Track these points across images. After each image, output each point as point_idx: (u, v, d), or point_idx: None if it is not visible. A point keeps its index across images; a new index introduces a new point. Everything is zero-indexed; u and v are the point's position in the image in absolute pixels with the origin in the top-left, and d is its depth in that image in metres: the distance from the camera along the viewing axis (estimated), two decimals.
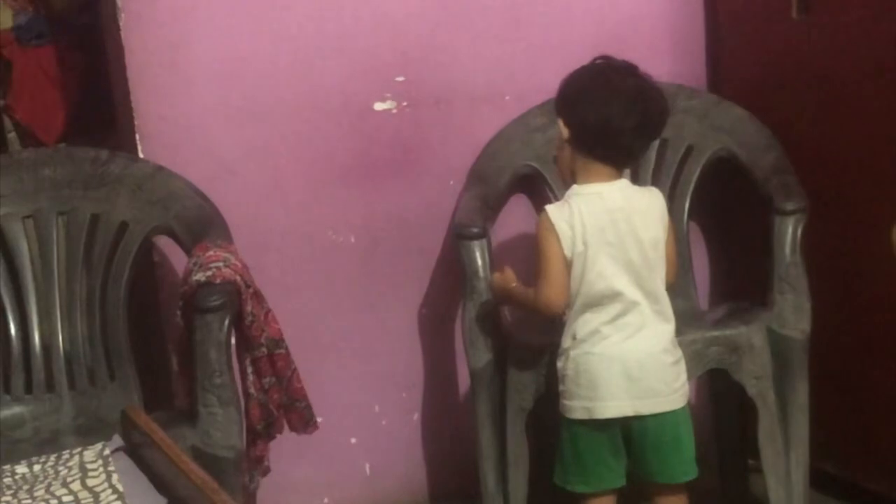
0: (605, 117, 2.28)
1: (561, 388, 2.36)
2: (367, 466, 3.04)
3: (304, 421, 2.54)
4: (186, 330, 2.37)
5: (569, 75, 2.37)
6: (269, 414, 2.48)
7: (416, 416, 3.08)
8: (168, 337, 2.77)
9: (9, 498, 1.62)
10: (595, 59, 2.39)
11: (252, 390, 2.45)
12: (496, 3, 2.98)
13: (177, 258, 2.70)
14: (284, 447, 2.60)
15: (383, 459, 3.05)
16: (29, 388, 2.60)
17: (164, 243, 2.73)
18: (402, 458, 3.07)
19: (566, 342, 2.36)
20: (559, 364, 2.38)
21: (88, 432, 2.54)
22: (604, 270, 2.31)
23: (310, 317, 2.88)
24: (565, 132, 2.35)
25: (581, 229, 2.30)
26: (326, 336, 2.94)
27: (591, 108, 2.29)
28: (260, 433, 2.49)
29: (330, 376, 2.85)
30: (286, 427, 2.54)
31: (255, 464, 2.52)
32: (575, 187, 2.34)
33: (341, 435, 2.97)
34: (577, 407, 2.33)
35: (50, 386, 2.60)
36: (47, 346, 2.61)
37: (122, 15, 2.66)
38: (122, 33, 2.67)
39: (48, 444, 2.51)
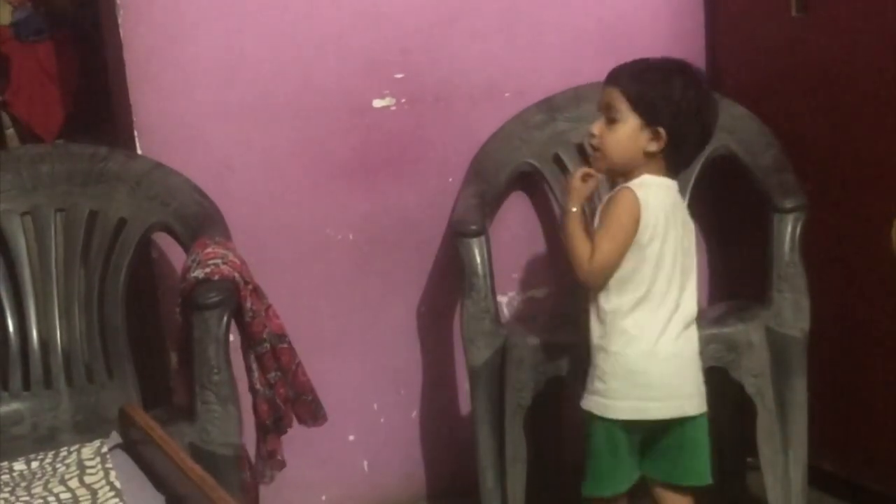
0: (709, 134, 2.39)
1: (600, 386, 2.30)
2: (366, 464, 3.04)
3: (312, 414, 2.53)
4: (185, 327, 2.36)
5: (661, 72, 2.37)
6: (277, 408, 2.47)
7: (415, 414, 3.07)
8: (166, 334, 2.76)
9: (6, 495, 1.62)
10: (660, 58, 2.43)
11: (258, 386, 2.45)
12: (495, 0, 2.97)
13: (175, 255, 2.70)
14: (283, 444, 2.59)
15: (382, 457, 3.05)
16: (27, 384, 2.59)
17: (163, 240, 2.72)
18: (400, 456, 3.07)
19: (615, 340, 2.30)
20: (600, 362, 2.31)
21: (87, 429, 2.54)
22: (668, 270, 2.31)
23: (308, 314, 2.88)
24: (655, 134, 2.31)
25: (654, 222, 2.30)
26: (325, 333, 2.94)
27: (699, 121, 2.35)
28: (270, 428, 2.49)
29: (328, 374, 2.84)
30: (293, 422, 2.54)
31: (269, 458, 2.52)
32: (648, 177, 2.33)
33: (340, 432, 2.96)
34: (625, 407, 2.29)
35: (48, 383, 2.59)
36: (45, 343, 2.60)
37: (121, 11, 2.65)
38: (121, 29, 2.66)
39: (46, 440, 2.51)
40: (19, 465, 1.72)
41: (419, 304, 3.04)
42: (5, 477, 1.69)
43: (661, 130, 2.31)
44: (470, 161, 2.92)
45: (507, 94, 2.98)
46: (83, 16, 2.90)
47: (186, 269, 2.38)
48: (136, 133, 2.71)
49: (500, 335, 2.69)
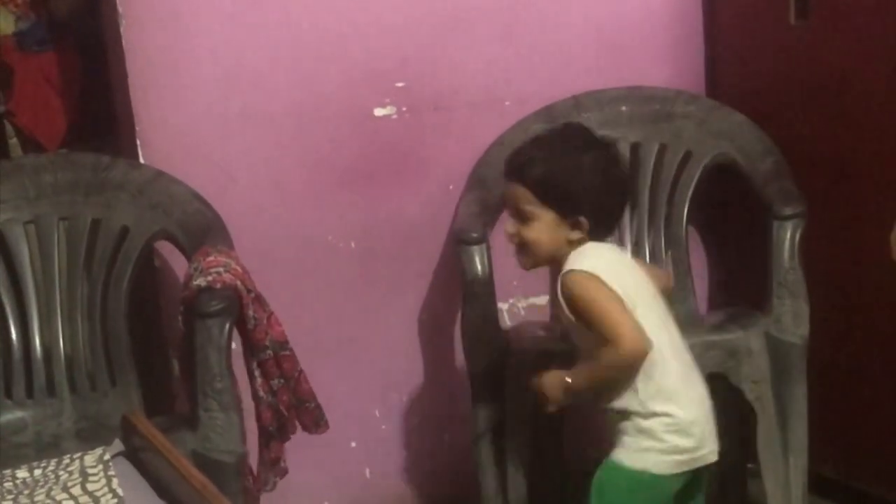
0: (624, 200, 2.36)
1: (654, 444, 2.20)
2: (367, 471, 3.05)
3: (314, 421, 2.55)
4: (187, 335, 2.37)
5: (563, 156, 2.24)
6: (280, 415, 2.49)
7: (416, 421, 3.08)
8: (169, 342, 2.77)
9: (9, 502, 1.64)
10: (554, 131, 2.36)
11: (261, 393, 2.46)
12: (495, 9, 2.99)
13: (177, 263, 2.71)
14: (285, 450, 2.60)
15: (383, 464, 3.06)
16: (30, 392, 2.60)
17: (165, 248, 2.74)
18: (401, 463, 3.07)
19: (658, 401, 2.19)
20: (647, 424, 2.20)
21: (90, 437, 2.55)
22: (657, 315, 2.25)
23: (310, 321, 2.89)
24: (576, 223, 2.23)
25: (620, 283, 2.21)
26: (327, 341, 2.95)
27: (619, 192, 2.30)
28: (273, 435, 2.50)
29: (330, 381, 2.85)
30: (296, 429, 2.55)
31: (272, 465, 2.53)
32: (580, 249, 2.24)
33: (341, 439, 2.97)
34: (674, 461, 2.21)
35: (51, 391, 2.61)
36: (48, 351, 2.61)
37: (123, 21, 2.66)
38: (123, 39, 2.67)
39: (49, 448, 2.51)
40: (22, 473, 1.74)
41: (420, 312, 3.05)
42: (8, 484, 1.71)
43: (583, 219, 2.23)
44: (470, 169, 2.93)
45: (507, 103, 2.99)
46: (85, 26, 2.91)
47: (189, 278, 2.39)
48: (138, 142, 2.72)
49: (500, 342, 2.70)
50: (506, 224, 2.33)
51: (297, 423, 2.54)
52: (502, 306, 2.96)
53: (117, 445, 1.76)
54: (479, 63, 2.98)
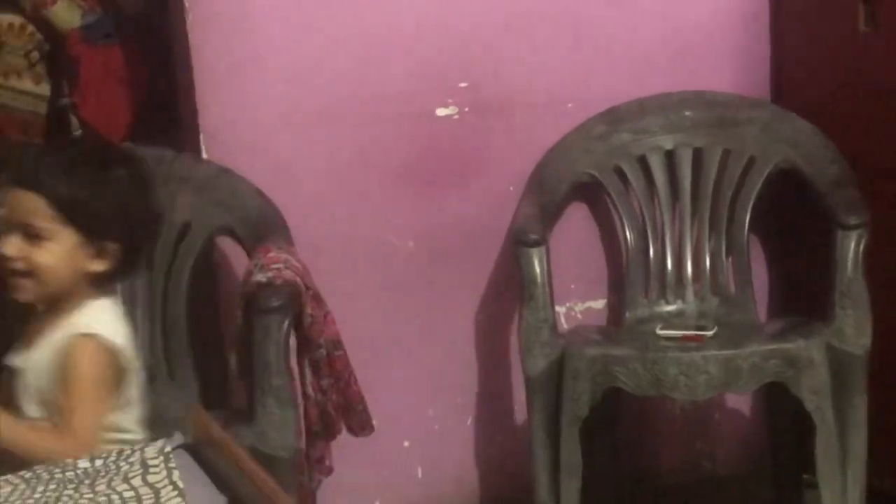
0: (157, 231, 2.10)
1: None
2: (420, 470, 3.05)
3: (361, 423, 2.55)
4: (245, 330, 2.39)
5: (96, 168, 1.92)
6: (327, 415, 2.50)
7: (470, 422, 3.08)
8: (226, 337, 2.79)
9: (71, 491, 1.64)
10: (77, 141, 2.13)
11: (310, 391, 2.47)
12: (560, 11, 2.98)
13: (237, 259, 2.72)
14: (338, 449, 2.61)
15: (436, 463, 3.06)
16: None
17: (225, 244, 2.75)
18: (454, 463, 3.07)
19: None
20: None
21: (148, 428, 2.57)
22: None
23: (366, 320, 2.89)
24: (101, 251, 1.91)
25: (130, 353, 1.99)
26: (382, 339, 2.95)
27: (154, 221, 2.04)
28: (319, 434, 2.51)
29: (385, 379, 2.86)
30: (342, 430, 2.55)
31: (316, 464, 2.54)
32: (94, 305, 1.95)
33: (394, 438, 2.97)
34: None
35: None
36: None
37: (190, 16, 2.69)
38: (189, 34, 2.69)
39: None
40: (83, 463, 1.74)
41: (477, 313, 3.04)
42: (69, 474, 1.72)
43: (112, 246, 1.92)
44: (531, 171, 2.92)
45: (569, 105, 2.98)
46: (152, 20, 2.93)
47: (249, 274, 2.40)
48: (201, 137, 2.74)
49: (557, 345, 2.69)
50: (4, 246, 1.89)
51: (342, 425, 2.54)
52: (559, 310, 2.96)
53: (178, 438, 1.76)
54: (543, 64, 2.97)
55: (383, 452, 2.95)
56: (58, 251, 1.87)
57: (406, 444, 3.03)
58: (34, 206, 1.85)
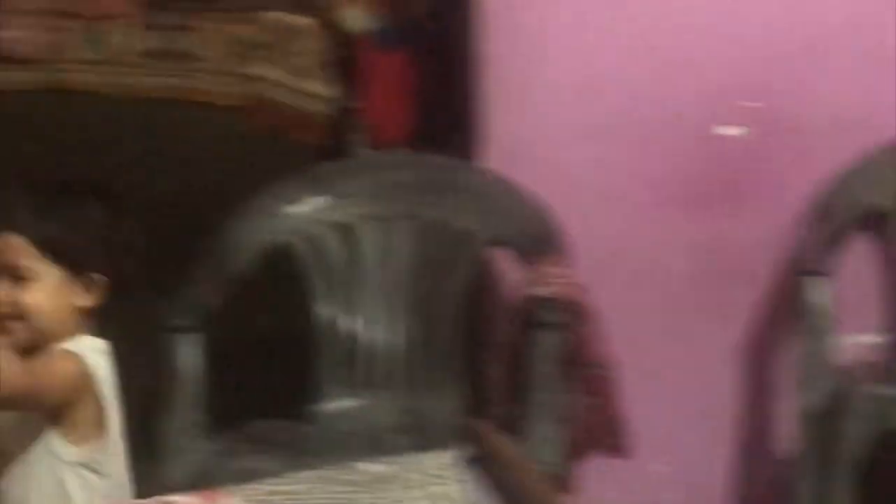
0: (141, 265, 1.95)
1: None
2: (677, 496, 2.98)
3: (619, 446, 2.52)
4: (518, 343, 2.38)
5: (67, 199, 1.89)
6: (588, 434, 2.47)
7: (732, 452, 2.98)
8: (491, 347, 2.79)
9: (366, 495, 1.67)
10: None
11: (574, 409, 2.44)
12: (857, 31, 2.84)
13: (510, 270, 2.71)
14: (593, 469, 2.57)
15: (693, 491, 2.97)
16: (359, 383, 2.67)
17: (499, 254, 2.75)
18: (714, 493, 2.98)
19: None
20: None
21: (412, 433, 2.60)
22: None
23: (634, 340, 2.83)
24: (88, 282, 1.86)
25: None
26: (647, 361, 2.88)
27: (123, 254, 1.90)
28: (577, 452, 2.48)
29: (645, 402, 2.80)
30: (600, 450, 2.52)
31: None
32: (84, 342, 1.87)
33: (651, 463, 2.91)
34: None
35: (378, 383, 2.67)
36: (381, 344, 2.67)
37: (484, 25, 2.69)
38: (481, 43, 2.70)
39: (373, 440, 2.58)
40: (373, 467, 1.76)
41: (747, 339, 2.95)
42: (358, 477, 1.74)
43: (98, 279, 1.85)
44: (813, 196, 2.81)
45: (861, 129, 2.85)
46: (441, 28, 2.96)
47: (526, 286, 2.40)
48: (483, 147, 2.75)
49: (836, 380, 2.58)
50: None
51: (601, 445, 2.51)
52: (838, 342, 2.83)
53: (460, 450, 1.76)
54: (837, 86, 2.85)
55: (640, 477, 2.89)
56: (46, 290, 1.83)
57: (663, 469, 2.96)
58: (16, 247, 1.82)
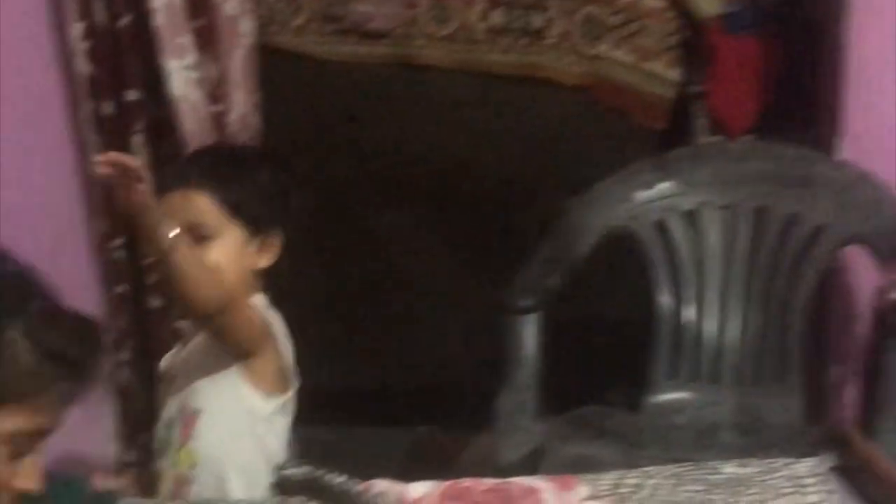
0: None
1: None
2: None
3: None
4: (875, 347, 2.25)
5: (247, 163, 1.95)
6: None
7: None
8: (839, 352, 2.66)
9: (724, 495, 1.61)
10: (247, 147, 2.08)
11: None
12: None
13: (864, 270, 2.57)
14: None
15: None
16: (695, 376, 2.60)
17: (851, 250, 2.61)
18: None
19: None
20: None
21: (746, 432, 2.52)
22: None
23: None
24: (265, 244, 1.91)
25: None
26: None
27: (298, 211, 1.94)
28: None
29: None
30: None
31: None
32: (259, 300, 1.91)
33: None
34: None
35: (715, 377, 2.59)
36: (718, 338, 2.59)
37: (853, 11, 2.53)
38: (847, 29, 2.54)
39: (704, 435, 2.52)
40: (728, 468, 1.71)
41: None
42: (715, 478, 1.68)
43: (275, 240, 1.88)
44: None
45: None
46: (795, 14, 2.83)
47: (884, 290, 2.26)
48: (841, 139, 2.60)
49: None
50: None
51: None
52: None
53: (829, 459, 1.68)
54: None
55: None
56: (225, 249, 1.85)
57: None
58: (201, 205, 1.85)
